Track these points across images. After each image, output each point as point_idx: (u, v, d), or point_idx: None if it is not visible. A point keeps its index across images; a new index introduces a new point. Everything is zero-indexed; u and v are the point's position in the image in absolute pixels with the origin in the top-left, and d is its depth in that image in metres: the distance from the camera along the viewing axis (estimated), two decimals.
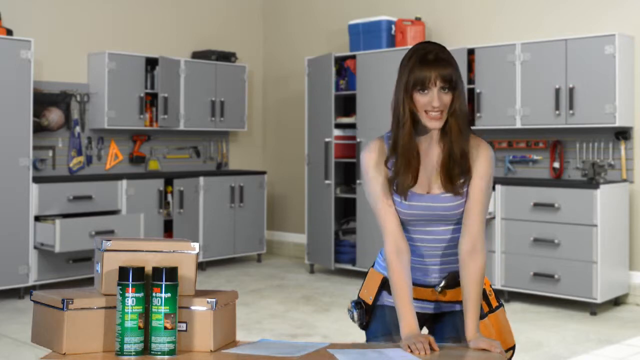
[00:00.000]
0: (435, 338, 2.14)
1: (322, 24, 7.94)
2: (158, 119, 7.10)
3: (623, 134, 5.83)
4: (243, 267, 7.51)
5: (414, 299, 2.25)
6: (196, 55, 7.73)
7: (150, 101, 7.14)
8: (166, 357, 1.89)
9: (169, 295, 1.90)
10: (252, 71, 8.44)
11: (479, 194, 2.20)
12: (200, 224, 7.24)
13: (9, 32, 6.08)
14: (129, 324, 1.88)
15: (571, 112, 5.77)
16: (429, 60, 2.13)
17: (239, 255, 7.66)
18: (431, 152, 2.23)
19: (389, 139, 2.24)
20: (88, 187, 6.40)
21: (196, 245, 2.02)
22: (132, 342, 1.88)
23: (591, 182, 5.59)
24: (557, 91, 5.85)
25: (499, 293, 5.94)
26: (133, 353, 1.88)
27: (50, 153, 6.68)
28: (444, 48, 2.19)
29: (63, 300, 1.90)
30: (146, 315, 1.91)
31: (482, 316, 2.24)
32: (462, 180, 2.19)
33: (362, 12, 7.34)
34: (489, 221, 5.95)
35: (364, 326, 2.35)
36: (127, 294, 1.88)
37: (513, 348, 2.29)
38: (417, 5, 7.09)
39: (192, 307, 1.97)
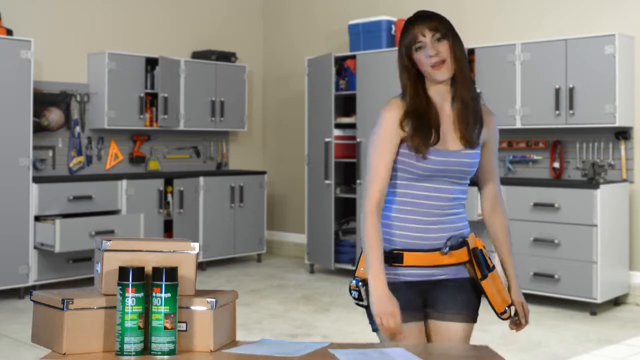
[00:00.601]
0: (438, 311, 2.27)
1: (322, 24, 7.94)
2: (158, 119, 7.10)
3: (623, 134, 5.83)
4: (243, 267, 7.51)
5: (416, 266, 2.27)
6: (196, 55, 7.73)
7: (150, 101, 7.14)
8: (166, 357, 1.89)
9: (169, 295, 1.90)
10: (252, 71, 8.44)
11: (492, 156, 2.38)
12: (200, 224, 7.24)
13: (9, 32, 6.08)
14: (129, 324, 1.88)
15: (571, 112, 5.77)
16: (414, 19, 2.29)
17: (239, 255, 7.66)
18: (445, 108, 2.29)
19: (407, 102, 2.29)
20: (88, 187, 6.40)
21: (196, 245, 2.02)
22: (132, 342, 1.88)
23: (591, 182, 5.59)
24: (557, 91, 5.85)
25: None
26: (133, 353, 1.88)
27: (50, 153, 6.68)
28: (429, 10, 2.31)
29: (63, 300, 1.90)
30: (146, 315, 1.91)
31: (486, 275, 2.28)
32: (476, 130, 2.28)
33: (362, 12, 7.34)
34: None
35: (365, 305, 2.28)
36: (127, 294, 1.88)
37: (510, 305, 2.34)
38: (417, 5, 7.02)
39: (192, 307, 1.97)
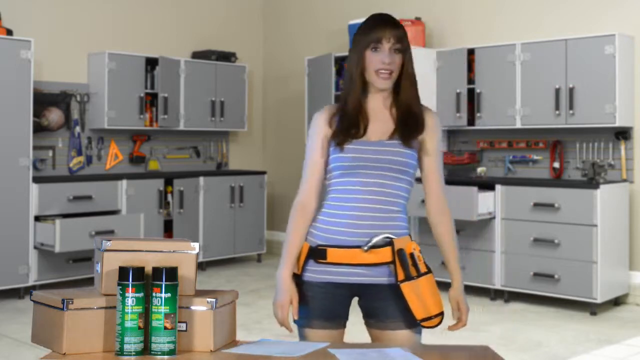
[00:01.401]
0: (380, 320, 2.25)
1: (322, 24, 7.94)
2: (158, 119, 7.10)
3: (623, 134, 5.83)
4: (243, 267, 7.51)
5: (338, 263, 2.25)
6: (196, 55, 7.73)
7: (150, 101, 7.14)
8: (166, 357, 1.89)
9: (169, 295, 1.90)
10: (252, 71, 8.44)
11: (433, 155, 2.34)
12: (200, 224, 7.24)
13: (9, 32, 6.08)
14: (129, 324, 1.87)
15: (571, 112, 5.77)
16: (382, 21, 2.31)
17: (239, 255, 7.66)
18: (382, 115, 2.32)
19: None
20: (88, 187, 6.40)
21: (196, 245, 2.02)
22: (132, 342, 1.88)
23: (591, 182, 5.59)
24: (557, 91, 5.85)
25: (499, 293, 5.95)
26: (133, 353, 1.88)
27: (50, 153, 6.68)
28: (394, 17, 2.36)
29: (63, 300, 1.90)
30: (146, 315, 1.91)
31: (410, 278, 2.20)
32: (414, 133, 2.29)
33: (362, 12, 7.32)
34: (488, 221, 5.95)
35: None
36: (127, 294, 1.88)
37: (442, 314, 2.24)
38: (417, 5, 7.09)
39: (192, 307, 1.97)
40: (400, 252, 2.23)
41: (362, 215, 2.24)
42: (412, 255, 2.24)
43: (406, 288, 2.20)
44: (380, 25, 2.28)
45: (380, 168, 2.25)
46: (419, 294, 2.20)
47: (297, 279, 2.30)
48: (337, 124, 2.30)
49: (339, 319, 2.31)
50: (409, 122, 2.28)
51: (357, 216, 2.24)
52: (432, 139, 2.34)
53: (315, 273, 2.28)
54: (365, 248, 2.23)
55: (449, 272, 2.36)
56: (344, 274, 2.26)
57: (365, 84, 2.30)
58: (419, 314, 2.20)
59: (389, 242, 2.24)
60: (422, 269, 2.24)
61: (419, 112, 2.31)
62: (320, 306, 2.28)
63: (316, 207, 2.33)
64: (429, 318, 2.21)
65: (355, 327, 2.41)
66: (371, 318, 2.29)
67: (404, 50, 2.29)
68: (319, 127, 2.33)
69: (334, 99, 6.91)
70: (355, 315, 2.37)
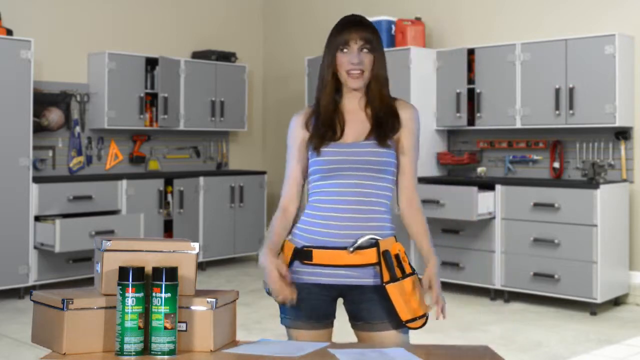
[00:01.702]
0: (365, 321, 2.25)
1: (322, 24, 7.93)
2: (158, 119, 7.10)
3: (623, 134, 5.83)
4: (243, 267, 7.51)
5: (324, 265, 2.26)
6: (196, 55, 7.73)
7: (150, 101, 7.14)
8: (166, 357, 1.89)
9: (169, 295, 1.90)
10: (252, 71, 8.44)
11: (411, 151, 2.35)
12: (200, 224, 7.24)
13: (9, 32, 6.08)
14: (129, 324, 1.88)
15: (571, 112, 5.77)
16: (350, 22, 2.35)
17: (239, 255, 7.66)
18: (358, 116, 2.34)
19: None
20: (88, 187, 6.40)
21: (196, 245, 2.02)
22: (132, 342, 1.88)
23: (591, 182, 5.59)
24: (557, 91, 5.85)
25: (499, 293, 5.95)
26: (133, 353, 1.88)
27: (50, 153, 6.68)
28: (365, 18, 2.40)
29: (63, 300, 1.90)
30: (146, 315, 1.91)
31: (395, 279, 2.21)
32: (392, 133, 2.31)
33: (362, 12, 7.28)
34: (488, 221, 5.95)
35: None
36: (127, 294, 1.88)
37: (425, 316, 2.24)
38: (417, 5, 7.09)
39: (192, 307, 1.97)
40: (386, 254, 2.24)
41: (343, 216, 2.26)
42: (397, 256, 2.25)
43: (392, 289, 2.20)
44: (348, 26, 2.32)
45: (357, 169, 2.27)
46: (404, 295, 2.21)
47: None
48: (313, 127, 2.33)
49: (325, 319, 2.32)
50: (382, 123, 2.30)
51: (339, 217, 2.26)
52: (408, 135, 2.34)
53: (301, 274, 2.29)
54: (351, 249, 2.24)
55: (425, 257, 2.34)
56: (330, 275, 2.27)
57: (339, 84, 2.33)
58: (404, 315, 2.20)
59: (374, 244, 2.25)
60: (407, 270, 2.25)
61: (391, 112, 2.32)
62: (306, 307, 2.28)
63: (296, 210, 2.38)
64: (414, 319, 2.21)
65: (347, 327, 2.41)
66: (357, 320, 2.29)
67: (373, 50, 2.31)
68: (295, 133, 2.37)
69: None
70: (344, 315, 2.37)
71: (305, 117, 2.37)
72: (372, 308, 2.26)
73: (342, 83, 2.33)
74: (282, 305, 2.30)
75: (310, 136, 2.33)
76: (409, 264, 2.27)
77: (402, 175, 2.35)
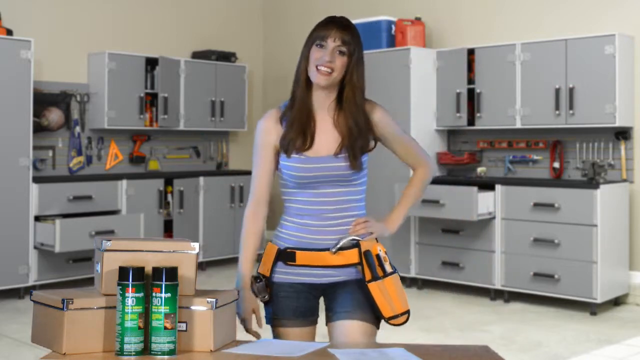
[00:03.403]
0: (334, 312, 2.29)
1: None
2: (158, 119, 7.10)
3: (623, 134, 5.83)
4: None
5: (307, 265, 2.30)
6: (196, 55, 7.73)
7: (150, 101, 7.14)
8: (166, 357, 1.89)
9: (169, 295, 1.90)
10: (252, 71, 8.44)
11: (405, 143, 2.40)
12: (200, 224, 7.24)
13: (9, 32, 6.08)
14: (129, 324, 1.88)
15: (571, 112, 5.77)
16: (332, 21, 2.32)
17: (239, 255, 7.64)
18: (326, 123, 2.32)
19: (285, 106, 2.36)
20: (88, 187, 6.40)
21: (196, 245, 2.02)
22: (132, 342, 1.88)
23: (591, 182, 5.59)
24: (557, 91, 5.85)
25: (499, 293, 5.95)
26: (133, 353, 1.88)
27: (50, 153, 6.68)
28: (350, 22, 2.35)
29: (63, 300, 1.90)
30: (146, 315, 1.91)
31: (377, 278, 2.26)
32: (363, 153, 2.30)
33: (362, 12, 7.33)
34: (488, 221, 5.95)
35: (265, 300, 2.34)
36: (127, 294, 1.88)
37: (408, 313, 2.30)
38: (417, 5, 7.09)
39: (192, 307, 1.97)
40: (367, 254, 2.29)
41: (323, 223, 2.31)
42: (377, 256, 2.30)
43: (373, 287, 2.26)
44: (331, 24, 2.30)
45: (331, 181, 2.30)
46: (385, 293, 2.26)
47: (267, 280, 2.35)
48: (285, 129, 2.31)
49: (310, 316, 2.35)
50: (354, 143, 2.27)
51: (319, 224, 2.31)
52: (391, 137, 2.37)
53: (285, 274, 2.34)
54: (333, 250, 2.29)
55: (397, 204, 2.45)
56: (314, 275, 2.32)
57: (310, 88, 2.31)
58: (386, 312, 2.26)
59: (356, 244, 2.30)
60: (388, 269, 2.30)
61: (361, 126, 2.29)
62: (291, 304, 2.32)
63: (266, 213, 2.43)
64: (396, 316, 2.27)
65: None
66: (329, 311, 2.34)
67: (349, 54, 2.27)
68: (262, 137, 2.35)
69: None
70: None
71: (274, 120, 2.34)
72: (343, 300, 2.30)
73: (309, 75, 2.29)
74: (266, 304, 2.35)
75: (281, 139, 2.30)
76: (390, 263, 2.33)
77: (410, 158, 2.43)
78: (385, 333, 2.46)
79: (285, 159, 2.31)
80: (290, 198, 2.36)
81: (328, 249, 2.30)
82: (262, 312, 2.35)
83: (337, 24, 2.30)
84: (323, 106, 2.33)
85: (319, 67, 2.26)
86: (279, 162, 2.34)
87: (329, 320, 2.34)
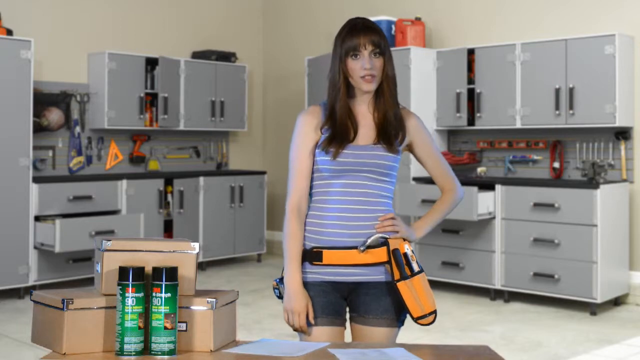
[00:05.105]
0: (360, 314, 2.30)
1: (322, 24, 7.94)
2: (158, 119, 7.10)
3: (623, 134, 5.83)
4: (243, 267, 7.51)
5: (336, 265, 2.31)
6: (196, 55, 7.73)
7: (150, 101, 7.14)
8: (166, 357, 1.89)
9: (169, 295, 1.90)
10: (252, 71, 8.44)
11: (435, 157, 2.45)
12: (200, 224, 7.23)
13: (9, 32, 6.08)
14: (129, 324, 1.88)
15: (571, 112, 5.77)
16: (358, 28, 2.33)
17: (239, 255, 7.66)
18: (367, 119, 2.37)
19: (326, 107, 2.38)
20: (88, 187, 6.40)
21: (196, 245, 2.02)
22: (132, 342, 1.88)
23: (591, 182, 5.59)
24: (557, 91, 5.85)
25: (499, 293, 5.95)
26: (133, 353, 1.88)
27: (50, 153, 6.68)
28: (370, 20, 2.39)
29: (63, 300, 1.90)
30: (146, 315, 1.91)
31: (405, 277, 2.26)
32: (397, 139, 2.35)
33: (362, 12, 7.33)
34: (488, 221, 5.95)
35: None
36: (127, 294, 1.88)
37: (435, 312, 2.30)
38: (417, 5, 7.09)
39: (192, 307, 1.97)
40: (395, 252, 2.29)
41: (350, 216, 2.31)
42: (405, 255, 2.30)
43: (403, 287, 2.26)
44: (357, 31, 2.32)
45: (364, 171, 2.32)
46: (414, 293, 2.27)
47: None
48: (328, 132, 2.33)
49: (340, 316, 2.34)
50: (388, 129, 2.34)
51: (346, 217, 2.31)
52: (422, 144, 2.43)
53: (312, 274, 2.33)
54: (362, 249, 2.29)
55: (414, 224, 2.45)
56: (341, 274, 2.32)
57: (349, 88, 2.36)
58: (415, 312, 2.26)
59: (384, 242, 2.30)
60: (416, 268, 2.30)
61: (396, 118, 2.36)
62: (321, 302, 2.31)
63: (307, 208, 2.38)
64: (424, 316, 2.27)
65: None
66: (353, 312, 2.35)
67: (382, 52, 2.33)
68: (306, 132, 2.37)
69: None
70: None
71: (317, 120, 2.37)
72: (371, 303, 2.31)
73: (354, 87, 2.35)
74: None
75: (326, 141, 2.32)
76: (417, 262, 2.33)
77: (438, 178, 2.48)
78: None
79: (326, 155, 2.32)
80: (318, 190, 2.36)
81: (355, 247, 2.29)
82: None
83: (363, 30, 2.33)
84: (364, 107, 2.38)
85: (364, 77, 2.31)
86: (315, 157, 2.36)
87: (353, 320, 2.35)
